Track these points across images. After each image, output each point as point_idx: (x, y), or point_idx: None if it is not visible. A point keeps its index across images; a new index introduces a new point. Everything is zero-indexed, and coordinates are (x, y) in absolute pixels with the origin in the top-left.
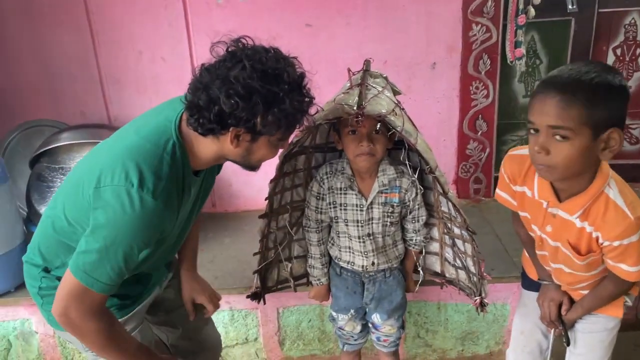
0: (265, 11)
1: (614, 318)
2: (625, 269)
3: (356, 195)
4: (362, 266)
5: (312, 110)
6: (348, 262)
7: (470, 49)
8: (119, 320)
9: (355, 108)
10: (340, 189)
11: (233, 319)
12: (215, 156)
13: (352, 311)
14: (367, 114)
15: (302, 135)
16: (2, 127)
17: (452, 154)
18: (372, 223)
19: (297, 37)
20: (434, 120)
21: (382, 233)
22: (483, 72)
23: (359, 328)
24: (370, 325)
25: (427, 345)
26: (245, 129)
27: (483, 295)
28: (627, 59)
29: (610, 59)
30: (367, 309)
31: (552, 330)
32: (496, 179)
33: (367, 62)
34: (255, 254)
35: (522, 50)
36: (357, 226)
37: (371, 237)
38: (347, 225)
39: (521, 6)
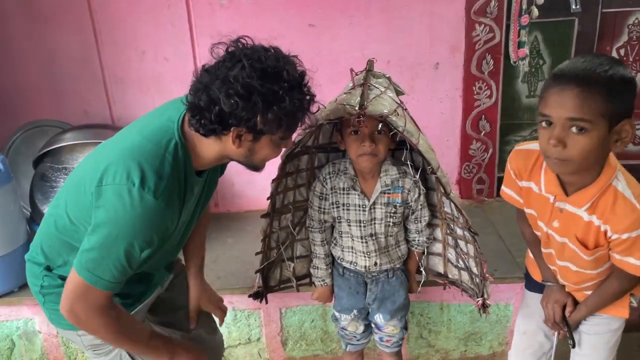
0: (269, 11)
1: (618, 319)
2: (633, 262)
3: (359, 195)
4: (365, 266)
5: (314, 108)
6: (351, 263)
7: (473, 49)
8: None
9: (357, 108)
10: (343, 189)
11: (236, 319)
12: (218, 156)
13: (354, 311)
14: (369, 114)
15: (304, 135)
16: (5, 127)
17: (455, 154)
18: (374, 223)
19: (300, 37)
20: (436, 120)
21: (384, 233)
22: (486, 73)
23: (361, 328)
24: (373, 325)
25: (430, 346)
26: (246, 129)
27: (485, 296)
28: (631, 59)
29: None
30: (369, 309)
31: (556, 333)
32: (499, 179)
33: (370, 62)
34: (257, 253)
35: (526, 50)
36: (360, 226)
37: (374, 238)
38: (349, 225)
39: (524, 6)
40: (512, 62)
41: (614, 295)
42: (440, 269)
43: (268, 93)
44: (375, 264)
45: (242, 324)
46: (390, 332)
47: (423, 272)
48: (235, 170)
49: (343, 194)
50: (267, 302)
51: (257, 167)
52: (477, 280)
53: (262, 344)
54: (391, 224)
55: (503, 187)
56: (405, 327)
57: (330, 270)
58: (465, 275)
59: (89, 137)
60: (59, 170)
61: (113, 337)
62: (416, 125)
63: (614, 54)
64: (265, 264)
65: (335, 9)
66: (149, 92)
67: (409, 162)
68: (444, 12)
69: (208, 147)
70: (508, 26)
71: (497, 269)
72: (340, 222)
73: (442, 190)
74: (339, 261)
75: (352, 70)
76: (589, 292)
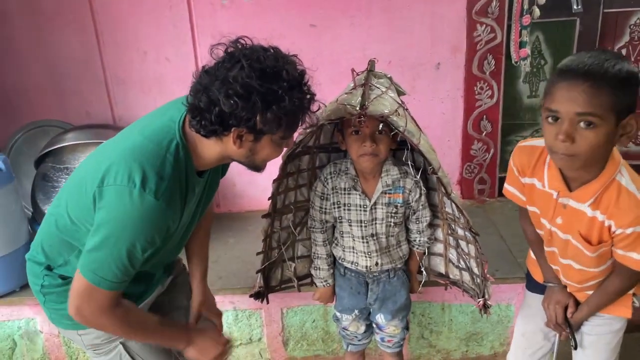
0: (270, 12)
1: (620, 320)
2: (636, 257)
3: (360, 195)
4: (366, 266)
5: (314, 107)
6: (352, 263)
7: (474, 49)
8: None
9: (358, 108)
10: (344, 189)
11: (237, 319)
12: (220, 157)
13: (356, 311)
14: (370, 114)
15: (305, 135)
16: (7, 127)
17: (456, 155)
18: (375, 223)
19: (301, 37)
20: (438, 120)
21: (385, 233)
22: (487, 73)
23: (363, 328)
24: (374, 325)
25: (431, 346)
26: (246, 129)
27: (486, 296)
28: (633, 59)
29: None
30: (371, 310)
31: (557, 335)
32: (500, 179)
33: (371, 63)
34: (258, 253)
35: (527, 50)
36: (361, 226)
37: (375, 238)
38: (350, 225)
39: (526, 6)
40: (513, 62)
41: (615, 293)
42: (442, 269)
43: (267, 93)
44: (377, 264)
45: (243, 324)
46: (391, 332)
47: (424, 272)
48: (236, 171)
49: (344, 194)
50: (268, 302)
51: (258, 167)
52: (478, 280)
53: (263, 344)
54: (392, 224)
55: (505, 185)
56: (406, 328)
57: (332, 271)
58: (466, 276)
59: (91, 137)
60: (61, 170)
61: (122, 332)
62: (417, 125)
63: None
64: (266, 264)
65: (336, 9)
66: (151, 92)
67: (410, 162)
68: (446, 13)
69: (209, 148)
70: (509, 26)
71: (498, 269)
72: (341, 222)
73: (443, 191)
74: (340, 261)
75: (353, 70)
76: (591, 292)
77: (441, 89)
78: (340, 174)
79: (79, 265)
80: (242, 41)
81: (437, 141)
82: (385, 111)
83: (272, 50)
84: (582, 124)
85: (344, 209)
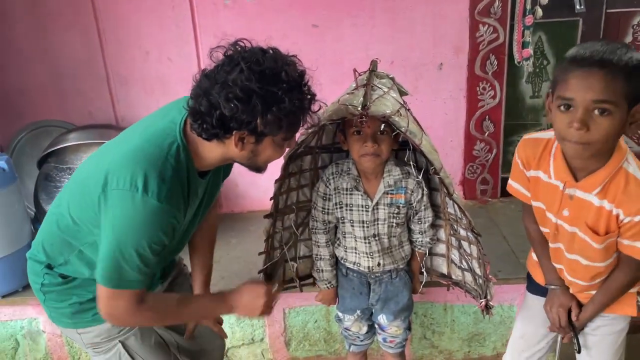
0: (272, 12)
1: (623, 319)
2: None
3: (362, 195)
4: (368, 267)
5: (315, 108)
6: (354, 263)
7: (477, 49)
8: None
9: (359, 108)
10: (346, 189)
11: (239, 319)
12: (221, 158)
13: (358, 312)
14: (372, 115)
15: (307, 136)
16: (10, 128)
17: (458, 155)
18: (377, 224)
19: (303, 37)
20: (440, 121)
21: (387, 234)
22: (490, 73)
23: (365, 329)
24: (376, 326)
25: (434, 347)
26: (248, 132)
27: (488, 297)
28: None
29: None
30: (373, 310)
31: (559, 338)
32: (503, 180)
33: (373, 63)
34: (260, 253)
35: (530, 50)
36: (363, 227)
37: (377, 238)
38: (352, 226)
39: (528, 6)
40: (516, 62)
41: (619, 289)
42: (444, 270)
43: (267, 95)
44: (379, 264)
45: (245, 324)
46: (393, 332)
47: (424, 272)
48: (238, 171)
49: (346, 194)
50: None
51: (259, 168)
52: (481, 281)
53: (265, 344)
54: (394, 224)
55: (510, 181)
56: (408, 328)
57: (335, 272)
58: (468, 276)
59: (93, 137)
60: (63, 170)
61: (154, 322)
62: (419, 125)
63: None
64: (268, 264)
65: (339, 10)
66: (153, 92)
67: (412, 163)
68: (448, 13)
69: (211, 150)
70: (512, 26)
71: (500, 269)
72: (343, 223)
73: (446, 191)
74: (342, 262)
75: (355, 70)
76: (593, 292)
77: (444, 90)
78: (342, 175)
79: (97, 276)
80: (241, 43)
81: (440, 141)
82: (387, 111)
83: (271, 52)
84: (596, 112)
85: (346, 210)
